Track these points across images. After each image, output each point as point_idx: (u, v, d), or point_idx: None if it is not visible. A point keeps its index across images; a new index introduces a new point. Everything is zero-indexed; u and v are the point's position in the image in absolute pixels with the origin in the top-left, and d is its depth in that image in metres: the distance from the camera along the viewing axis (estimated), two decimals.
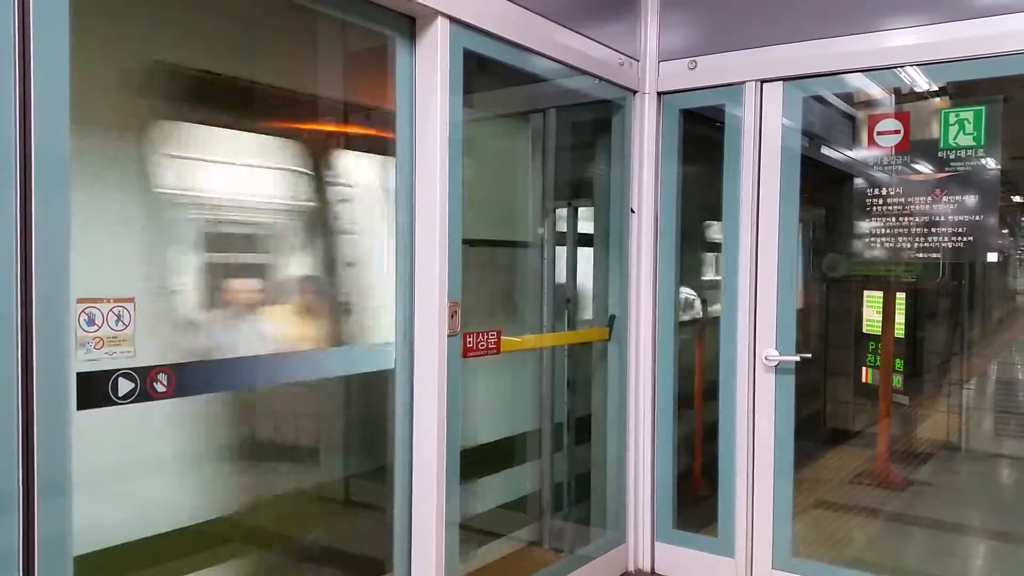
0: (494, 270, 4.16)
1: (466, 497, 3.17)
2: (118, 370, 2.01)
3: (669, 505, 3.98)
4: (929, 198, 3.44)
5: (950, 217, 3.39)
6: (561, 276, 4.14)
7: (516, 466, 4.20)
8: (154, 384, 2.08)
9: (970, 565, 4.00)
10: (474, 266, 3.40)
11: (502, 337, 3.22)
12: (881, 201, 3.56)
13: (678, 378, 3.98)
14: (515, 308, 4.20)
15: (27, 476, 1.85)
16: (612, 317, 3.92)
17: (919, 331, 5.21)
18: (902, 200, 3.51)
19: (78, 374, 1.94)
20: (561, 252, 4.16)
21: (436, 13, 2.78)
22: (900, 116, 3.54)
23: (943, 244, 3.44)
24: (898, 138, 3.53)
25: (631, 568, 4.00)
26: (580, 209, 4.17)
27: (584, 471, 4.13)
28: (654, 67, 3.90)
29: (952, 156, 3.36)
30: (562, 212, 4.15)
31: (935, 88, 3.50)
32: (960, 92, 3.46)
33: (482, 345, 3.12)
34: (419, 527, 2.93)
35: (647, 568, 4.00)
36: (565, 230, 4.16)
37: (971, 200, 3.34)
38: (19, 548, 1.84)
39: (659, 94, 3.91)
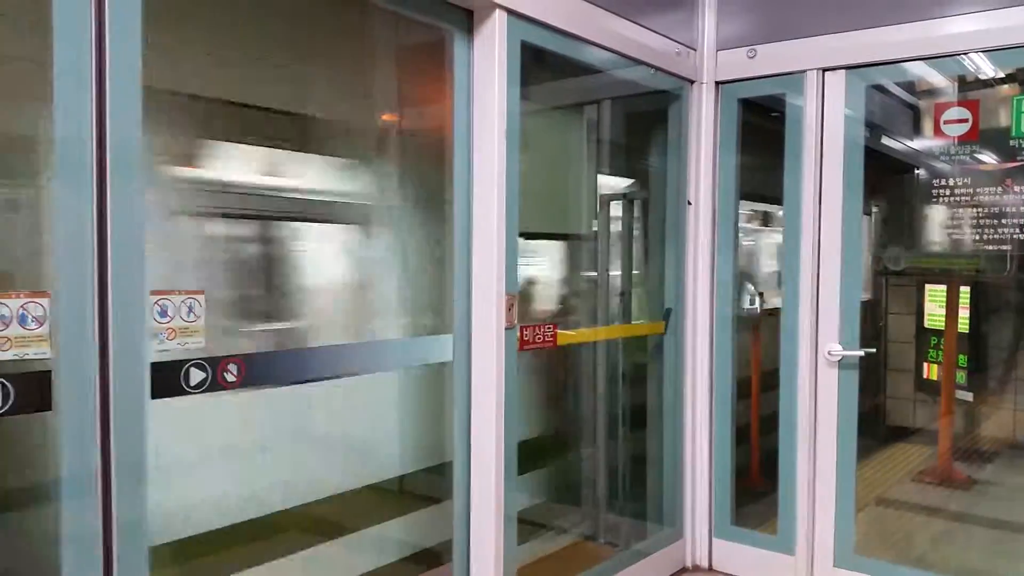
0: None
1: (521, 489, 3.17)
2: (190, 360, 2.06)
3: (727, 501, 3.93)
4: (998, 188, 3.34)
5: (1021, 208, 3.29)
6: (616, 269, 4.12)
7: (571, 460, 4.20)
8: (224, 374, 2.12)
9: None
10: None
11: (558, 330, 3.22)
12: (947, 192, 3.47)
13: (736, 372, 3.94)
14: (570, 301, 4.19)
15: (105, 462, 1.90)
16: (668, 310, 3.88)
17: (984, 326, 5.05)
18: (969, 191, 3.41)
19: (152, 364, 1.99)
20: (616, 245, 4.14)
21: (494, 6, 2.78)
22: (968, 104, 3.43)
23: (1012, 235, 3.33)
24: (966, 127, 3.42)
25: (688, 564, 3.96)
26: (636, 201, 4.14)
27: (640, 466, 4.10)
28: (712, 56, 3.84)
29: None
30: (617, 204, 4.12)
31: (1004, 75, 3.39)
32: None
33: (539, 338, 3.12)
34: (477, 519, 2.95)
35: (705, 565, 3.96)
36: (620, 223, 4.13)
37: None
38: (100, 531, 1.89)
39: (717, 83, 3.86)
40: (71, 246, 1.84)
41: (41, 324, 1.79)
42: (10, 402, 1.75)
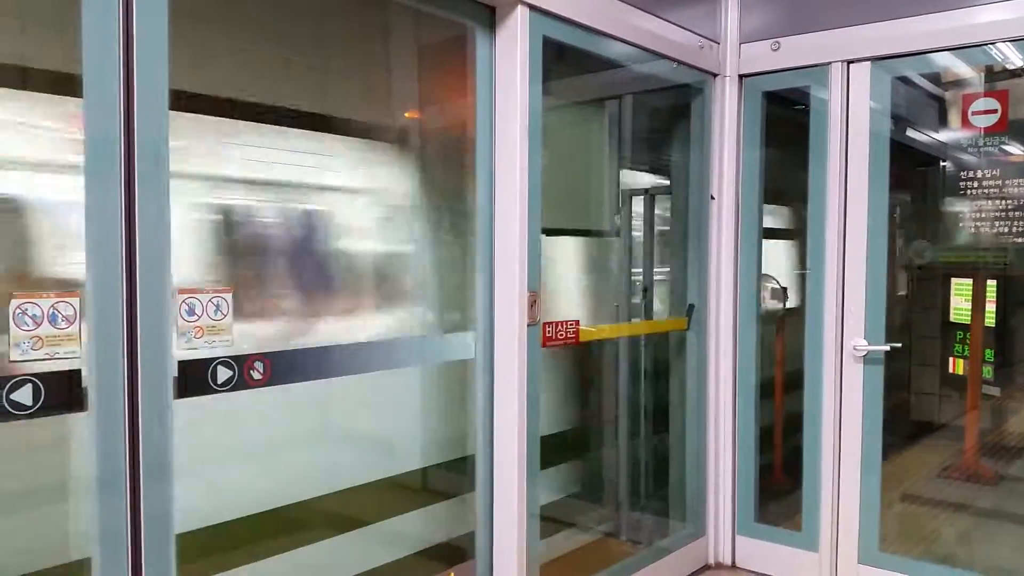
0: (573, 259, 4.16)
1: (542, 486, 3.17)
2: (217, 358, 2.07)
3: (750, 498, 3.91)
4: None
5: None
6: (639, 265, 4.10)
7: (594, 457, 4.19)
8: (251, 372, 2.13)
9: None
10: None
11: (580, 327, 3.21)
12: (975, 184, 3.42)
13: (760, 368, 3.91)
14: (593, 298, 4.18)
15: (133, 459, 1.92)
16: (691, 307, 3.86)
17: (1011, 320, 4.98)
18: (997, 183, 3.36)
19: (179, 362, 2.00)
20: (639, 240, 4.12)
21: (516, 2, 2.78)
22: (997, 95, 3.38)
23: None
24: (995, 118, 3.37)
25: (711, 561, 3.95)
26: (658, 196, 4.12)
27: (663, 463, 4.09)
28: (735, 49, 3.81)
29: None
30: (640, 200, 4.10)
31: None
32: None
33: (561, 335, 3.11)
34: (500, 516, 2.95)
35: (728, 562, 3.94)
36: (643, 218, 4.12)
37: None
38: (127, 526, 1.91)
39: (740, 77, 3.83)
40: (100, 246, 1.86)
41: (71, 323, 1.81)
42: (40, 401, 1.77)
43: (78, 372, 1.83)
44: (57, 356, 1.79)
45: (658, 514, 4.11)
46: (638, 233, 4.15)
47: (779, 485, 4.38)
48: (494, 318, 2.93)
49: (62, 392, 1.81)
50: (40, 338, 1.76)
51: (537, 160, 2.88)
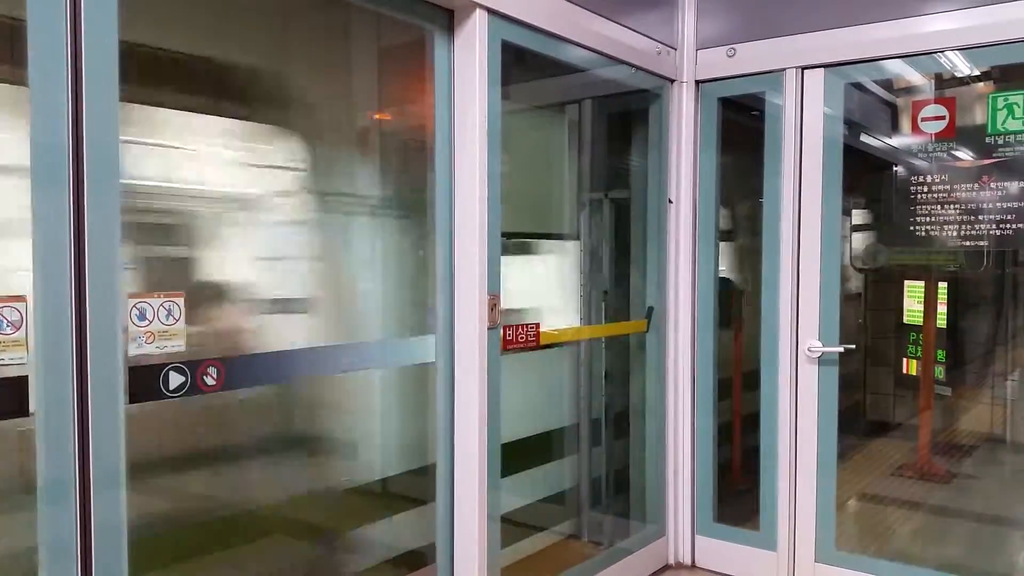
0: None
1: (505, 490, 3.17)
2: (168, 364, 2.04)
3: (709, 498, 3.95)
4: (975, 185, 3.37)
5: (997, 204, 3.32)
6: (598, 268, 4.12)
7: (554, 460, 4.20)
8: (204, 377, 2.11)
9: (1017, 559, 3.92)
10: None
11: (540, 330, 3.22)
12: (925, 189, 3.49)
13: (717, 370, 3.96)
14: (553, 300, 4.19)
15: (83, 467, 1.88)
16: (650, 309, 3.90)
17: (962, 321, 5.10)
18: (946, 187, 3.44)
19: (130, 368, 1.97)
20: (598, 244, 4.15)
21: (474, 5, 2.78)
22: (945, 102, 3.47)
23: (989, 232, 3.37)
24: (943, 124, 3.45)
25: (671, 561, 3.98)
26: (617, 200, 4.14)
27: (623, 465, 4.11)
28: (692, 55, 3.86)
29: (1000, 142, 3.28)
30: (599, 203, 4.13)
31: (979, 72, 3.42)
32: (1006, 76, 3.38)
33: (521, 338, 3.12)
34: (461, 520, 2.94)
35: (687, 562, 3.98)
36: (602, 221, 4.14)
37: (1019, 186, 3.27)
38: (77, 537, 1.87)
39: (697, 83, 3.87)
40: (48, 250, 1.82)
41: (17, 329, 1.77)
42: None
43: (25, 378, 1.79)
44: (2, 362, 1.75)
45: (619, 515, 4.14)
46: (598, 236, 4.17)
47: (738, 485, 4.44)
48: (454, 321, 2.92)
49: (8, 398, 1.76)
50: None
51: (496, 163, 2.89)
